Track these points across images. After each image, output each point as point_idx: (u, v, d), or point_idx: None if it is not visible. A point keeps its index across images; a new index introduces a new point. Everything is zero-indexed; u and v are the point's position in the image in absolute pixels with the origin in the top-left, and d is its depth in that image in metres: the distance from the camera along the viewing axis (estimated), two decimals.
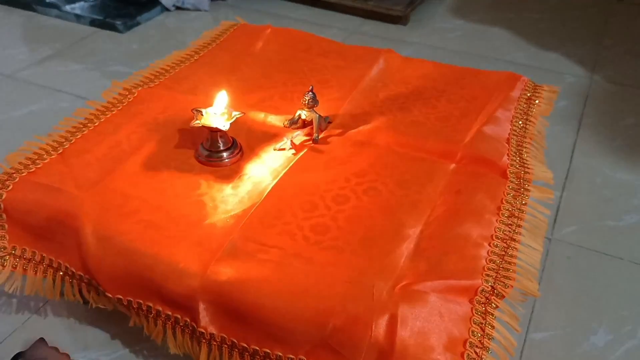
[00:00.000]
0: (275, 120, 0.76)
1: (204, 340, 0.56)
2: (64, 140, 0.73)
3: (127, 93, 0.82)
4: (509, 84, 0.84)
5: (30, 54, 1.35)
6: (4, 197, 0.64)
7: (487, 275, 0.55)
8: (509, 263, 0.57)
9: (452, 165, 0.69)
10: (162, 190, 0.65)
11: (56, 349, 0.63)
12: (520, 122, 0.77)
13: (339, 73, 0.88)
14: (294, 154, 0.71)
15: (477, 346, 0.50)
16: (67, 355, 0.62)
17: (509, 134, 0.74)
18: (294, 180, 0.66)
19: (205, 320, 0.56)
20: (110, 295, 0.60)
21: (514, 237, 0.60)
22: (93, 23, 1.48)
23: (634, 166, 1.01)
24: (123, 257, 0.58)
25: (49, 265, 0.65)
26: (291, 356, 0.53)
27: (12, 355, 0.62)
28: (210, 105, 0.69)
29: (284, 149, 0.71)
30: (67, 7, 1.51)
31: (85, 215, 0.61)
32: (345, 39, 0.97)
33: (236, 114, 0.69)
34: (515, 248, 0.59)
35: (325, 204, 0.63)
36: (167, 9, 1.56)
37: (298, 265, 0.56)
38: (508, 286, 0.55)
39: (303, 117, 0.73)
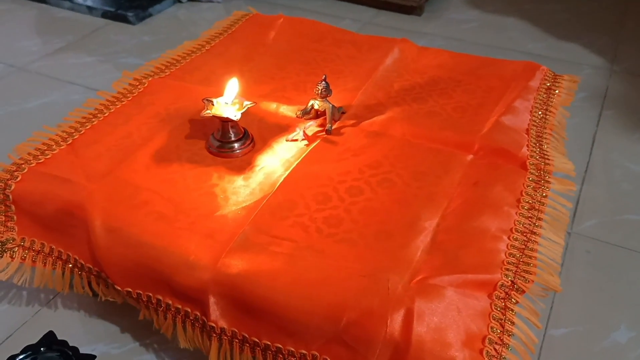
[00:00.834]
0: (288, 110, 0.75)
1: (214, 335, 0.55)
2: (73, 131, 0.72)
3: (137, 83, 0.81)
4: (527, 74, 0.81)
5: (42, 46, 1.35)
6: (12, 188, 0.64)
7: (507, 269, 0.53)
8: (529, 257, 0.55)
9: (470, 157, 0.67)
10: (173, 182, 0.64)
11: (65, 342, 0.63)
12: (539, 113, 0.75)
13: (353, 63, 0.86)
14: (307, 145, 0.69)
15: (496, 343, 0.49)
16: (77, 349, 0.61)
17: (528, 125, 0.72)
18: (307, 171, 0.65)
19: (216, 314, 0.54)
20: (119, 288, 0.59)
21: (534, 231, 0.58)
22: (105, 15, 1.47)
23: None
24: (133, 249, 0.57)
25: (58, 257, 0.64)
26: (303, 351, 0.52)
27: (22, 348, 0.61)
28: (221, 95, 0.68)
29: (296, 140, 0.70)
30: None
31: (94, 206, 0.60)
32: (359, 30, 0.96)
33: (247, 103, 0.67)
34: (536, 241, 0.57)
35: (339, 195, 0.61)
36: (179, 1, 1.55)
37: (311, 258, 0.55)
38: (528, 281, 0.53)
39: (316, 107, 0.72)
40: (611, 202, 0.90)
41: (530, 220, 0.59)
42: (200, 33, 0.97)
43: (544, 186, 0.63)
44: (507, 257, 0.55)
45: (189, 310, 0.56)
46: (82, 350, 0.62)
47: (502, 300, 0.51)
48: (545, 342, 0.69)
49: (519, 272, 0.54)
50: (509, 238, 0.57)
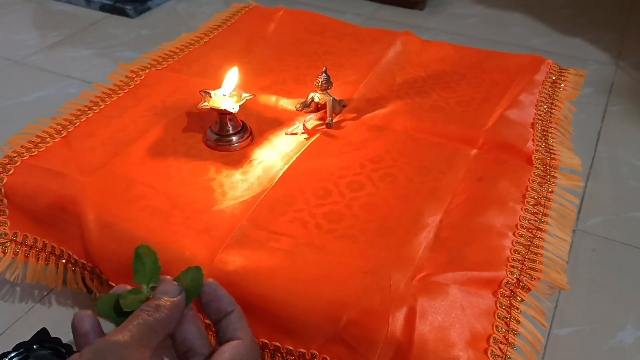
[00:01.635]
0: (287, 103, 0.73)
1: (211, 333, 0.53)
2: (68, 123, 0.70)
3: (134, 76, 0.79)
4: (533, 67, 0.80)
5: (39, 40, 1.33)
6: (4, 181, 0.62)
7: (512, 266, 0.52)
8: (535, 254, 0.53)
9: (474, 151, 0.65)
10: (169, 176, 0.62)
11: (59, 340, 0.61)
12: (545, 107, 0.73)
13: (354, 56, 0.84)
14: (307, 139, 0.67)
15: (501, 342, 0.47)
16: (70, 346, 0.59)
17: (533, 119, 0.70)
18: (306, 165, 0.63)
19: None
20: (113, 284, 0.57)
21: (540, 227, 0.56)
22: (103, 8, 1.45)
23: None
24: (127, 245, 0.56)
25: (51, 253, 0.62)
26: (302, 350, 0.50)
27: (14, 345, 0.60)
28: (219, 87, 0.66)
29: (296, 134, 0.68)
30: None
31: (88, 200, 0.59)
32: (361, 25, 0.94)
33: (246, 95, 0.66)
34: (542, 238, 0.55)
35: (339, 190, 0.60)
36: None
37: (310, 254, 0.53)
38: (534, 278, 0.51)
39: (316, 99, 0.70)
40: (617, 199, 0.88)
41: (536, 217, 0.57)
42: (199, 26, 0.95)
43: (550, 181, 0.61)
44: (512, 254, 0.53)
45: None
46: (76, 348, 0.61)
47: (507, 299, 0.50)
48: (549, 341, 0.67)
49: (524, 269, 0.52)
50: (514, 234, 0.55)
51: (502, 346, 0.47)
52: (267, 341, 0.51)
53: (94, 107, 0.73)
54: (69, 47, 1.30)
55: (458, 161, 0.64)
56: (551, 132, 0.69)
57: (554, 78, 0.79)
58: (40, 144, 0.66)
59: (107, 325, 0.38)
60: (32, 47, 1.29)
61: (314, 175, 0.62)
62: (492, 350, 0.46)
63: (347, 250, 0.53)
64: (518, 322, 0.49)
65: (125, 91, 0.76)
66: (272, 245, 0.54)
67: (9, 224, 0.63)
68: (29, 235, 0.63)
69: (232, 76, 0.66)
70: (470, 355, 0.46)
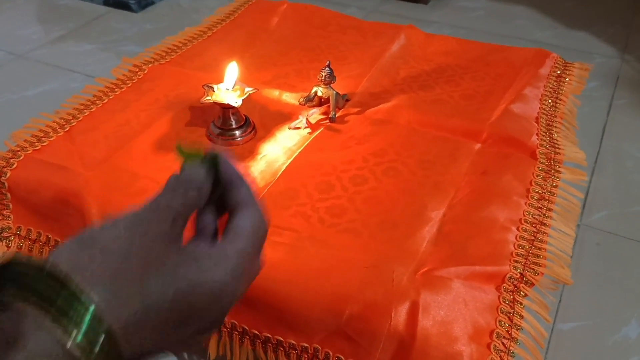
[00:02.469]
0: (290, 97, 0.73)
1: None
2: (71, 117, 0.70)
3: (137, 70, 0.79)
4: (537, 61, 0.79)
5: (43, 34, 1.33)
6: (8, 175, 0.62)
7: (516, 261, 0.51)
8: (539, 249, 0.53)
9: (477, 145, 0.65)
10: (171, 170, 0.61)
11: None
12: (549, 101, 0.73)
13: (357, 50, 0.84)
14: (310, 133, 0.67)
15: (504, 337, 0.47)
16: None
17: (538, 113, 0.70)
18: (310, 160, 0.63)
19: None
20: None
21: (544, 221, 0.56)
22: (107, 2, 1.45)
23: None
24: None
25: (54, 246, 0.62)
26: (305, 344, 0.50)
27: None
28: (222, 81, 0.66)
29: (299, 128, 0.68)
30: None
31: (91, 194, 0.59)
32: (364, 18, 0.94)
33: (249, 90, 0.66)
34: (546, 233, 0.55)
35: (342, 184, 0.60)
36: None
37: (313, 248, 0.53)
38: (538, 273, 0.51)
39: (319, 94, 0.70)
40: (621, 194, 0.88)
41: (540, 211, 0.57)
42: (202, 20, 0.95)
43: (554, 176, 0.61)
44: (515, 249, 0.53)
45: None
46: None
47: (510, 293, 0.50)
48: (553, 336, 0.67)
49: (528, 264, 0.52)
50: (517, 229, 0.55)
51: (505, 341, 0.47)
52: (269, 335, 0.51)
53: (97, 102, 0.73)
54: (72, 41, 1.30)
55: (461, 155, 0.63)
56: (556, 127, 0.69)
57: (558, 72, 0.78)
58: (43, 138, 0.66)
59: None
60: (35, 41, 1.29)
61: (317, 169, 0.62)
62: (495, 345, 0.46)
63: (350, 244, 0.53)
64: (521, 316, 0.48)
65: (129, 85, 0.76)
66: (275, 239, 0.54)
67: (12, 217, 0.63)
68: (32, 229, 0.63)
69: (232, 70, 0.66)
70: (473, 350, 0.46)
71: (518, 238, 0.54)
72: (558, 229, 0.56)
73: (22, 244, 0.63)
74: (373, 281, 0.49)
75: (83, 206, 0.58)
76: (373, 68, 0.79)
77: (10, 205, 0.63)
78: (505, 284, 0.50)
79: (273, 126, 0.68)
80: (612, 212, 0.85)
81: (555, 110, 0.71)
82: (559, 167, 0.62)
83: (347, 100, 0.73)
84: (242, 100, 0.64)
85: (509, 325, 0.48)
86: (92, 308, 0.26)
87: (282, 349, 0.51)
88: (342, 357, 0.48)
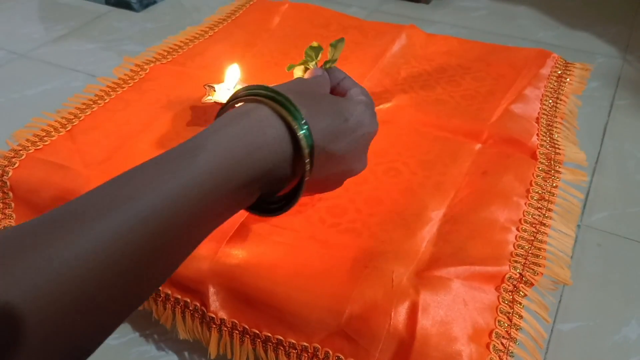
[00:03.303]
0: None
1: (214, 326, 0.54)
2: (72, 117, 0.70)
3: (138, 69, 0.79)
4: (538, 61, 0.79)
5: (44, 33, 1.33)
6: (10, 174, 0.62)
7: (515, 261, 0.52)
8: (539, 249, 0.53)
9: (478, 145, 0.65)
10: None
11: None
12: (550, 101, 0.73)
13: (359, 49, 0.84)
14: None
15: (503, 337, 0.47)
16: None
17: (538, 113, 0.70)
18: None
19: (215, 305, 0.53)
20: None
21: (544, 222, 0.56)
22: (108, 1, 1.45)
23: None
24: None
25: None
26: (305, 344, 0.50)
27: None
28: (224, 81, 0.66)
29: None
30: None
31: None
32: (366, 18, 0.93)
33: None
34: (545, 233, 0.55)
35: (343, 185, 0.60)
36: None
37: (313, 248, 0.53)
38: (537, 273, 0.51)
39: None
40: (623, 194, 0.88)
41: (539, 211, 0.57)
42: (203, 20, 0.95)
43: (555, 176, 0.61)
44: (515, 249, 0.53)
45: (189, 300, 0.55)
46: None
47: (510, 293, 0.50)
48: (553, 336, 0.67)
49: (527, 264, 0.52)
50: (517, 229, 0.55)
51: (504, 341, 0.47)
52: (269, 334, 0.51)
53: (98, 101, 0.73)
54: (74, 40, 1.30)
55: (462, 155, 0.63)
56: (556, 127, 0.69)
57: (559, 72, 0.78)
58: (45, 138, 0.67)
59: None
60: (37, 40, 1.29)
61: None
62: (495, 345, 0.46)
63: (350, 244, 0.53)
64: (521, 317, 0.49)
65: (130, 85, 0.76)
66: (275, 239, 0.54)
67: (14, 216, 0.63)
68: None
69: (233, 72, 0.66)
70: (472, 350, 0.46)
71: (518, 238, 0.54)
72: (558, 230, 0.57)
73: None
74: (373, 281, 0.49)
75: None
76: (374, 68, 0.79)
77: (12, 205, 0.63)
78: (504, 284, 0.50)
79: None
80: (613, 213, 0.84)
81: (555, 111, 0.72)
82: (559, 167, 0.62)
83: None
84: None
85: (508, 325, 0.48)
86: (304, 119, 0.35)
87: (282, 348, 0.51)
88: (341, 357, 0.48)
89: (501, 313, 0.48)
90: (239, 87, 0.66)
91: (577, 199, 0.60)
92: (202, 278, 0.52)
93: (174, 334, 0.58)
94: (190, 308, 0.55)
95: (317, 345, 0.50)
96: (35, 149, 0.65)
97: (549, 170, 0.61)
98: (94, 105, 0.72)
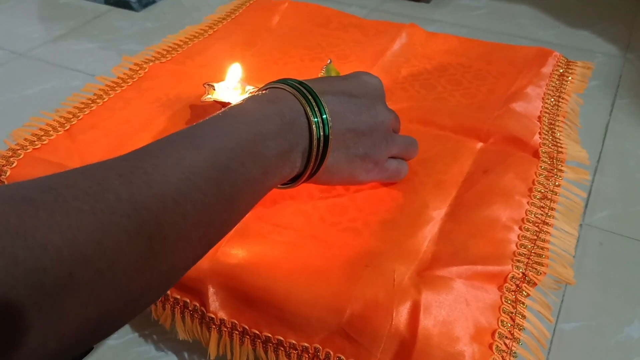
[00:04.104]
0: None
1: (213, 326, 0.53)
2: (71, 116, 0.70)
3: (137, 68, 0.79)
4: (539, 60, 0.79)
5: (44, 33, 1.33)
6: (8, 174, 0.62)
7: (518, 260, 0.51)
8: (542, 248, 0.53)
9: (479, 144, 0.64)
10: None
11: None
12: (552, 100, 0.72)
13: (359, 48, 0.84)
14: None
15: (506, 337, 0.47)
16: None
17: (540, 112, 0.69)
18: None
19: (215, 305, 0.53)
20: None
21: (547, 221, 0.56)
22: (108, 1, 1.45)
23: None
24: None
25: None
26: (305, 344, 0.50)
27: None
28: (223, 80, 0.66)
29: None
30: None
31: None
32: (366, 17, 0.93)
33: (250, 88, 0.65)
34: (548, 232, 0.55)
35: (343, 184, 0.59)
36: None
37: (314, 247, 0.53)
38: (540, 273, 0.51)
39: None
40: (624, 193, 0.87)
41: (542, 210, 0.57)
42: (203, 19, 0.95)
43: (557, 175, 0.61)
44: (518, 248, 0.52)
45: (188, 300, 0.54)
46: None
47: (512, 293, 0.49)
48: (555, 336, 0.67)
49: (530, 263, 0.51)
50: (520, 228, 0.54)
51: (507, 341, 0.46)
52: (270, 335, 0.51)
53: (97, 100, 0.73)
54: (73, 40, 1.29)
55: (463, 154, 0.63)
56: (558, 125, 0.68)
57: (561, 70, 0.78)
58: (43, 137, 0.66)
59: None
60: (36, 40, 1.29)
61: None
62: (497, 345, 0.46)
63: (351, 243, 0.53)
64: (524, 316, 0.48)
65: (129, 84, 0.76)
66: (275, 238, 0.53)
67: None
68: None
69: (235, 70, 0.65)
70: (475, 350, 0.45)
71: (520, 237, 0.53)
72: (560, 229, 0.56)
73: None
74: (374, 281, 0.49)
75: None
76: (374, 66, 0.78)
77: None
78: (507, 284, 0.50)
79: None
80: (615, 212, 0.84)
81: (557, 109, 0.71)
82: (562, 166, 0.62)
83: None
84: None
85: (511, 325, 0.47)
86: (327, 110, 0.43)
87: (282, 348, 0.51)
88: (342, 357, 0.48)
89: (504, 313, 0.48)
90: (240, 86, 0.66)
91: (579, 198, 0.60)
92: (202, 277, 0.52)
93: (174, 334, 0.57)
94: (190, 308, 0.55)
95: (317, 345, 0.49)
96: (33, 148, 0.64)
97: (551, 169, 0.61)
98: (92, 105, 0.72)
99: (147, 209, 0.30)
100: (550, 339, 0.67)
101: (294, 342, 0.50)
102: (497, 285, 0.50)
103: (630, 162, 0.93)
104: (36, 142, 0.65)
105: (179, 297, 0.55)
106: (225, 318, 0.53)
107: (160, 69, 0.79)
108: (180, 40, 0.87)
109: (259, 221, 0.55)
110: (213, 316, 0.53)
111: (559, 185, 0.60)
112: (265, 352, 0.52)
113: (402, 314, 0.46)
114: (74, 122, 0.69)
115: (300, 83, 0.45)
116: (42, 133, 0.67)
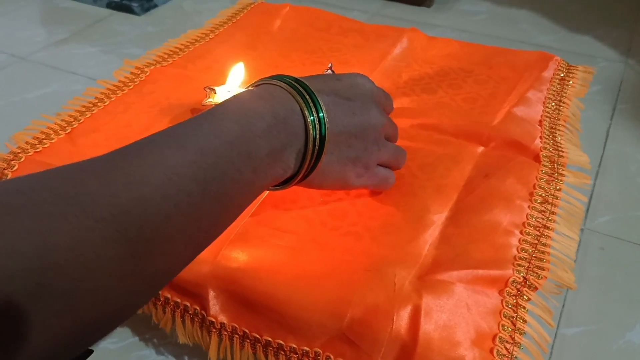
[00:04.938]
0: None
1: (214, 330, 0.53)
2: (72, 119, 0.70)
3: (139, 72, 0.79)
4: (540, 64, 0.79)
5: (46, 37, 1.33)
6: (9, 177, 0.62)
7: (519, 265, 0.51)
8: (542, 252, 0.53)
9: (480, 148, 0.64)
10: None
11: None
12: (553, 104, 0.72)
13: (360, 52, 0.84)
14: None
15: (507, 341, 0.46)
16: None
17: (541, 116, 0.69)
18: None
19: (215, 309, 0.52)
20: None
21: (548, 225, 0.56)
22: (109, 5, 1.45)
23: None
24: None
25: None
26: (306, 348, 0.49)
27: None
28: (224, 83, 0.66)
29: None
30: None
31: None
32: (367, 22, 0.93)
33: None
34: (549, 236, 0.55)
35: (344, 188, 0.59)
36: None
37: (314, 251, 0.52)
38: (541, 277, 0.51)
39: None
40: (625, 198, 0.87)
41: (543, 215, 0.57)
42: (204, 23, 0.95)
43: (558, 179, 0.61)
44: (518, 253, 0.52)
45: (188, 304, 0.54)
46: None
47: (513, 297, 0.49)
48: (556, 341, 0.67)
49: (531, 268, 0.51)
50: (521, 232, 0.54)
51: (508, 345, 0.46)
52: (270, 339, 0.51)
53: (98, 104, 0.73)
54: (75, 44, 1.30)
55: (464, 158, 0.63)
56: (559, 130, 0.68)
57: (562, 75, 0.78)
58: (44, 140, 0.66)
59: None
60: (38, 43, 1.29)
61: None
62: (498, 350, 0.46)
63: (351, 247, 0.53)
64: (525, 321, 0.48)
65: (130, 87, 0.76)
66: (275, 242, 0.53)
67: None
68: None
69: (238, 72, 0.65)
70: (475, 355, 0.45)
71: (521, 242, 0.53)
72: (562, 233, 0.56)
73: None
74: (375, 285, 0.49)
75: None
76: (375, 71, 0.78)
77: None
78: (508, 288, 0.49)
79: None
80: (616, 216, 0.84)
81: (558, 114, 0.71)
82: (563, 170, 0.62)
83: None
84: None
85: (512, 329, 0.47)
86: (323, 109, 0.43)
87: (282, 352, 0.51)
88: None
89: (505, 317, 0.48)
90: (241, 89, 0.66)
91: (580, 202, 0.60)
92: (202, 281, 0.52)
93: (174, 338, 0.57)
94: (190, 312, 0.54)
95: (318, 349, 0.49)
96: (34, 152, 0.64)
97: (552, 173, 0.61)
98: (94, 108, 0.72)
99: (126, 212, 0.29)
100: (551, 344, 0.66)
101: (294, 346, 0.50)
102: (498, 289, 0.49)
103: (631, 167, 0.93)
104: (37, 146, 0.65)
105: (179, 300, 0.55)
106: (225, 322, 0.52)
107: (161, 73, 0.79)
108: (182, 44, 0.87)
109: (260, 225, 0.55)
110: (213, 320, 0.52)
111: (560, 190, 0.60)
112: (266, 356, 0.52)
113: (402, 319, 0.46)
114: (75, 126, 0.69)
115: (296, 80, 0.43)
116: (43, 136, 0.67)
